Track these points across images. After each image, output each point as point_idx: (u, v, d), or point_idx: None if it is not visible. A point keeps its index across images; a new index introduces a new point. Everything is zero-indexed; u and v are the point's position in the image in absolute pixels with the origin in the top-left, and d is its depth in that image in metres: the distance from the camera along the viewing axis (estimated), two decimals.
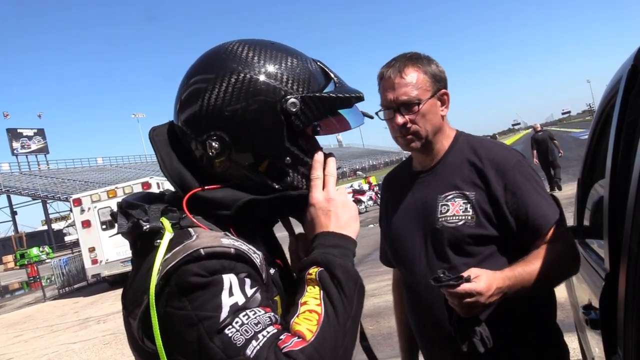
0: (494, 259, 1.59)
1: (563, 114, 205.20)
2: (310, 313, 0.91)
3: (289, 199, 1.04)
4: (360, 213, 22.65)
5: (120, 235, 1.03)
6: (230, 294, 0.88)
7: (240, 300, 0.88)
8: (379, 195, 24.95)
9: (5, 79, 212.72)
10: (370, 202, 24.33)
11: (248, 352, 0.85)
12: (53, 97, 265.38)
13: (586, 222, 2.20)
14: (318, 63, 1.10)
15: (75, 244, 34.26)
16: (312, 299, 0.93)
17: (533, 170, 1.65)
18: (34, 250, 41.47)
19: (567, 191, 12.32)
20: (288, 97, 1.00)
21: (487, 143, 1.71)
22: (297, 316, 0.92)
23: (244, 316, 0.87)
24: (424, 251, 1.67)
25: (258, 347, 0.85)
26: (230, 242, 0.94)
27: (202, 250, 0.90)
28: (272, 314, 0.90)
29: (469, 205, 1.60)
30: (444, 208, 1.64)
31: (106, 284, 16.19)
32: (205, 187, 1.01)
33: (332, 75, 1.09)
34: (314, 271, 0.96)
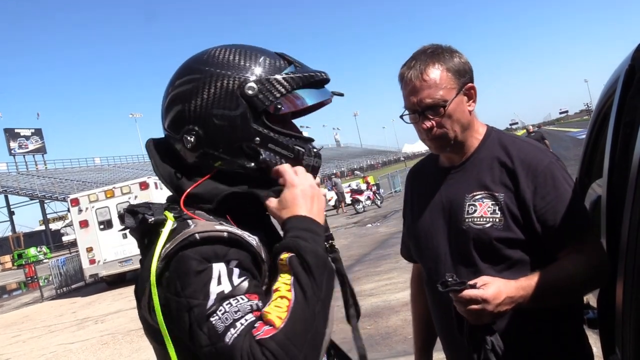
0: (522, 264, 1.52)
1: (561, 113, 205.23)
2: (281, 299, 0.96)
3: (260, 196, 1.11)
4: (358, 213, 22.52)
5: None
6: (219, 282, 0.96)
7: (227, 288, 0.96)
8: (377, 194, 25.01)
9: (3, 79, 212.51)
10: (368, 202, 24.30)
11: (227, 339, 0.92)
12: (50, 97, 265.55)
13: None
14: (279, 53, 1.19)
15: (73, 244, 34.22)
16: (283, 285, 0.98)
17: (566, 173, 1.56)
18: (32, 251, 41.24)
19: None
20: (244, 82, 1.10)
21: (519, 142, 1.62)
22: (269, 304, 0.96)
23: (227, 304, 0.94)
24: (449, 251, 1.61)
25: (235, 334, 0.92)
26: (223, 227, 1.02)
27: (197, 235, 0.99)
28: (255, 301, 0.97)
29: (497, 207, 1.53)
30: (471, 208, 1.57)
31: (104, 284, 16.14)
32: (194, 185, 1.11)
33: (293, 61, 1.17)
34: (285, 257, 1.00)
